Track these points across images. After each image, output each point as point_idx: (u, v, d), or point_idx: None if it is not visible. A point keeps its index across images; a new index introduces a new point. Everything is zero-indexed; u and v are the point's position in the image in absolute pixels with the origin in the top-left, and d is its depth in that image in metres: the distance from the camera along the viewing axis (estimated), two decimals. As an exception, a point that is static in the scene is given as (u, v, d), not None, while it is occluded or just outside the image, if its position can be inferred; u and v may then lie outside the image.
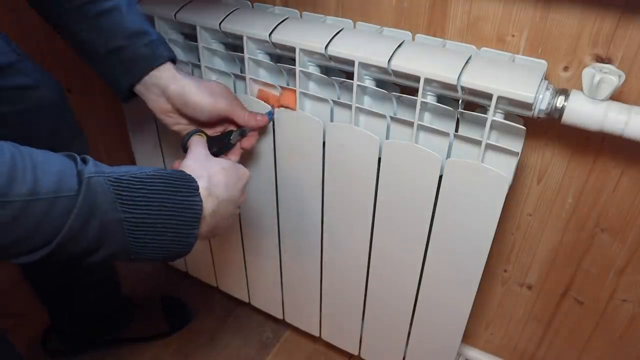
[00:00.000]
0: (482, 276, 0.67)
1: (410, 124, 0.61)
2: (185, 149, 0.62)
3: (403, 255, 0.72)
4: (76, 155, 0.46)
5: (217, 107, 0.64)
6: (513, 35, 0.60)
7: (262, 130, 0.73)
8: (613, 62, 0.57)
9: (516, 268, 0.80)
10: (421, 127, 0.61)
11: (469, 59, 0.57)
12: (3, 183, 0.39)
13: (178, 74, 0.63)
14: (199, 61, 0.74)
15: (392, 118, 0.64)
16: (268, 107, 0.70)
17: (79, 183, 0.43)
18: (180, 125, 0.66)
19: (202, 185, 0.52)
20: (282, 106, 0.69)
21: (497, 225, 0.61)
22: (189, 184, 0.51)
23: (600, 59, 0.57)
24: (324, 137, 0.69)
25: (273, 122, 0.72)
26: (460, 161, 0.60)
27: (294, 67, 0.66)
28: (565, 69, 0.59)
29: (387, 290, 0.78)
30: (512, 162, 0.59)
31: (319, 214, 0.77)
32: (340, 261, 0.80)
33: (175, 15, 0.71)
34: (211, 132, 0.67)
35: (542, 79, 0.54)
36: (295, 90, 0.67)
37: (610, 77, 0.51)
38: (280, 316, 0.98)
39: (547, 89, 0.54)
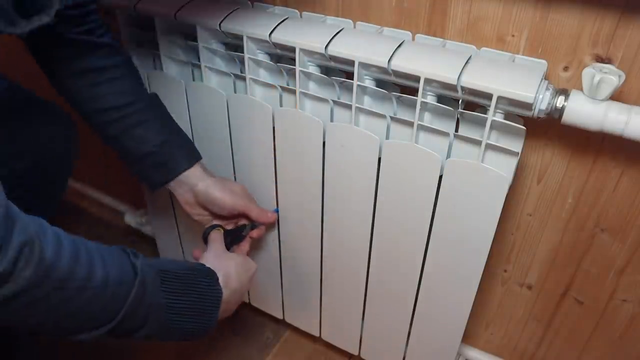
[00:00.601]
0: (482, 276, 0.67)
1: (410, 124, 0.61)
2: (205, 241, 0.74)
3: (403, 255, 0.72)
4: (127, 249, 0.55)
5: (236, 205, 0.74)
6: (513, 35, 0.60)
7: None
8: (613, 62, 0.57)
9: (516, 268, 0.80)
10: (421, 127, 0.61)
11: (469, 59, 0.57)
12: (85, 271, 0.48)
13: (204, 173, 0.74)
14: (199, 61, 0.74)
15: (392, 118, 0.64)
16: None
17: (135, 273, 0.53)
18: (202, 217, 0.77)
19: (220, 277, 0.63)
20: None
21: (497, 225, 0.62)
22: (212, 276, 0.62)
23: (600, 59, 0.57)
24: (324, 137, 0.69)
25: (273, 122, 0.72)
26: (460, 161, 0.60)
27: (294, 67, 0.66)
28: (565, 69, 0.59)
29: (387, 290, 0.78)
30: (512, 162, 0.59)
31: (319, 213, 0.77)
32: (340, 261, 0.80)
33: (175, 15, 0.71)
34: (226, 223, 0.77)
35: (542, 79, 0.54)
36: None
37: (610, 77, 0.51)
38: (280, 316, 0.98)
39: (547, 89, 0.54)
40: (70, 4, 0.61)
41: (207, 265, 0.63)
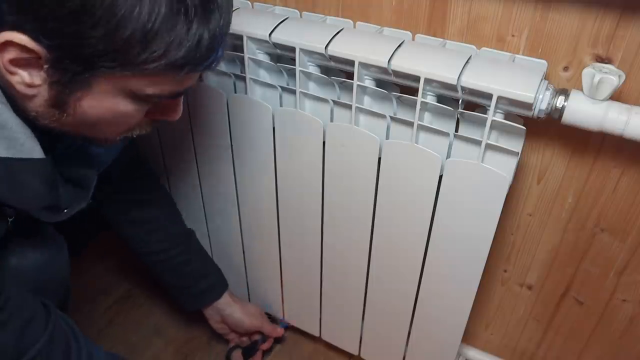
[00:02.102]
0: (482, 276, 0.67)
1: (410, 124, 0.61)
2: (227, 359, 0.95)
3: (403, 255, 0.72)
4: None
5: (253, 325, 0.93)
6: (513, 35, 0.60)
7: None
8: (613, 62, 0.57)
9: (516, 268, 0.80)
10: (421, 127, 0.61)
11: (469, 59, 0.57)
12: None
13: (230, 299, 0.91)
14: (199, 61, 0.74)
15: (392, 118, 0.64)
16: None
17: None
18: (224, 330, 0.94)
19: None
20: None
21: (497, 225, 0.62)
22: None
23: (600, 59, 0.57)
24: (324, 137, 0.69)
25: (273, 121, 0.72)
26: (460, 161, 0.60)
27: (294, 67, 0.66)
28: (565, 69, 0.59)
29: (387, 290, 0.78)
30: (512, 162, 0.59)
31: (319, 213, 0.77)
32: (340, 261, 0.80)
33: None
34: (243, 334, 0.95)
35: (542, 79, 0.54)
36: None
37: (610, 77, 0.51)
38: (280, 316, 0.98)
39: (547, 89, 0.54)
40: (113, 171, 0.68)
41: None
